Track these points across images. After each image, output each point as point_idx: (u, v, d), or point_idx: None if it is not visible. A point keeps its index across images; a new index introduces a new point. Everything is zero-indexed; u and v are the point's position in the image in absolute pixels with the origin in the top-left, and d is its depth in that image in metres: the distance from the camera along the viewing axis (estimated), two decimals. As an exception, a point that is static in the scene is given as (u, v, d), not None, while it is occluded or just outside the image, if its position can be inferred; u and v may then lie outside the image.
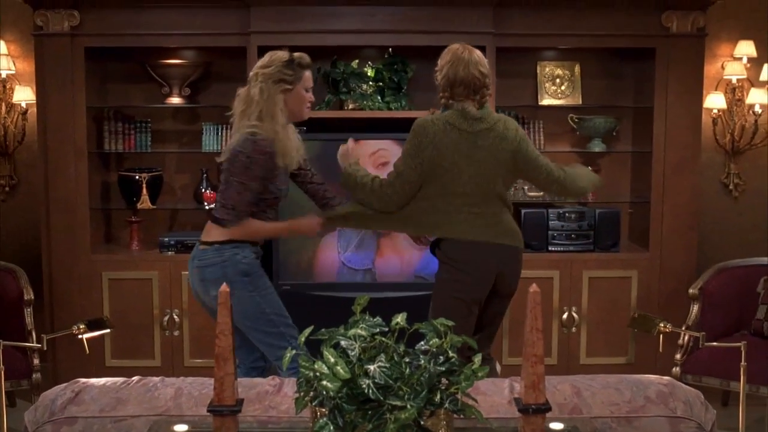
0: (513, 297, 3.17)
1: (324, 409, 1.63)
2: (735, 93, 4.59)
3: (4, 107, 4.51)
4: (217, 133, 4.32)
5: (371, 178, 3.02)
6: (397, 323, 1.73)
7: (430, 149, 2.91)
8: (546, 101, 4.52)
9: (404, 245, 4.22)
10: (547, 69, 4.55)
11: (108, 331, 3.18)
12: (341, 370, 1.58)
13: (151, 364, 4.19)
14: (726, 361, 3.57)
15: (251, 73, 2.94)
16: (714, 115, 4.59)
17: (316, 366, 1.61)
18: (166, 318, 4.23)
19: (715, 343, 3.43)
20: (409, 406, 1.56)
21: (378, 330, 1.68)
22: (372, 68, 4.33)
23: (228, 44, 4.15)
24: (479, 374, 1.66)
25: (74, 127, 4.14)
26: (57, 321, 4.12)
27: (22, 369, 3.71)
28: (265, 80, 2.87)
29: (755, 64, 4.52)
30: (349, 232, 4.17)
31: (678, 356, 3.82)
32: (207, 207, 4.18)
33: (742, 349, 2.87)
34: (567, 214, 4.33)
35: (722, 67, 4.57)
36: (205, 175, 4.40)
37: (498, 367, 3.49)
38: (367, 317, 1.72)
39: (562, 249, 4.32)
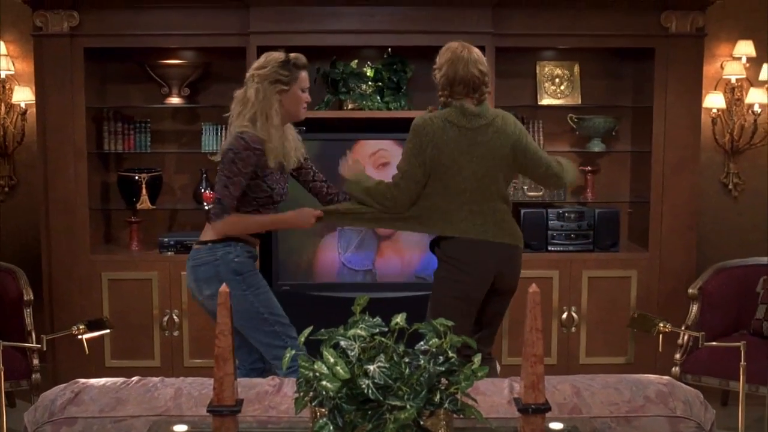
0: (513, 296, 3.17)
1: (324, 410, 1.63)
2: (734, 93, 4.60)
3: (3, 108, 4.51)
4: (217, 134, 4.32)
5: (376, 183, 3.03)
6: (397, 323, 1.73)
7: (431, 147, 2.91)
8: (545, 101, 4.52)
9: (405, 246, 4.22)
10: (546, 69, 4.55)
11: (108, 331, 3.18)
12: (341, 371, 1.58)
13: (150, 364, 4.19)
14: (725, 360, 3.58)
15: (247, 75, 2.94)
16: (713, 115, 4.59)
17: (315, 366, 1.61)
18: (166, 318, 4.23)
19: (714, 343, 3.43)
20: (408, 406, 1.56)
21: (377, 330, 1.69)
22: (371, 68, 4.33)
23: (227, 44, 4.15)
24: (479, 374, 1.66)
25: (74, 128, 4.14)
26: (57, 321, 4.12)
27: (22, 369, 3.71)
28: (261, 81, 2.88)
29: (754, 63, 4.52)
30: (349, 233, 4.17)
31: (677, 356, 3.83)
32: (206, 207, 4.18)
33: (742, 348, 2.88)
34: (566, 214, 4.33)
35: (721, 67, 4.57)
36: (204, 176, 4.40)
37: (498, 367, 3.49)
38: (366, 317, 1.72)
39: (561, 249, 4.32)
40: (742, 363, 2.88)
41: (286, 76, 2.90)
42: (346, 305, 1.83)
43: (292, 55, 2.94)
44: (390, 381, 1.58)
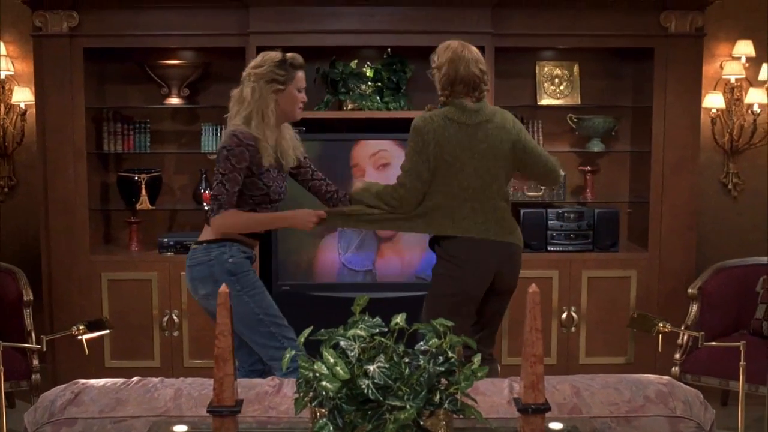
0: (513, 295, 3.17)
1: (323, 410, 1.63)
2: (734, 93, 4.60)
3: (3, 108, 4.51)
4: (216, 134, 4.32)
5: (382, 186, 3.04)
6: (397, 324, 1.73)
7: (433, 145, 2.92)
8: (545, 101, 4.52)
9: (405, 246, 4.22)
10: (546, 69, 4.55)
11: (107, 332, 3.17)
12: (341, 371, 1.58)
13: (150, 364, 4.19)
14: (725, 360, 3.58)
15: (244, 74, 2.95)
16: (713, 115, 4.59)
17: (315, 366, 1.61)
18: (166, 319, 4.23)
19: (714, 343, 3.43)
20: (408, 407, 1.56)
21: (377, 330, 1.69)
22: (371, 68, 4.33)
23: (227, 45, 4.15)
24: (478, 374, 1.66)
25: (73, 128, 4.14)
26: (56, 322, 4.12)
27: (22, 370, 3.71)
28: (257, 80, 2.89)
29: (754, 63, 4.52)
30: (350, 233, 4.17)
31: (677, 356, 3.83)
32: (206, 207, 4.18)
33: (741, 348, 2.88)
34: (566, 214, 4.33)
35: (721, 67, 4.57)
36: (204, 176, 4.40)
37: (498, 367, 3.49)
38: (366, 318, 1.72)
39: (561, 249, 4.32)
40: (742, 363, 2.88)
41: (283, 75, 2.90)
42: (345, 305, 1.83)
43: (288, 54, 2.94)
44: (390, 381, 1.58)
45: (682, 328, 3.72)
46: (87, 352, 3.01)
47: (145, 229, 4.49)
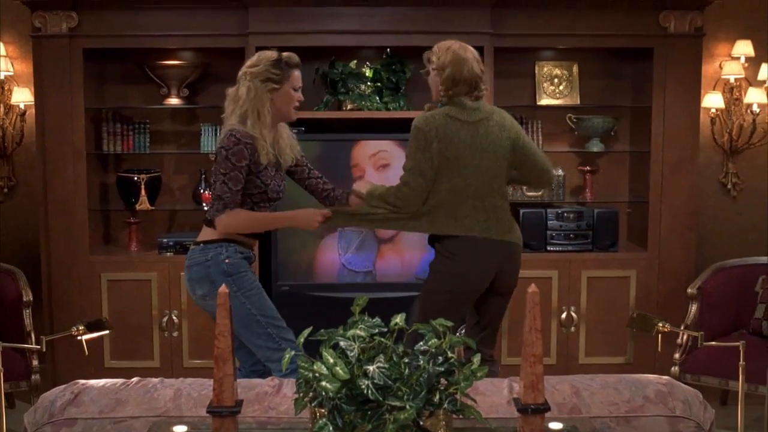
0: (512, 295, 3.17)
1: (323, 410, 1.63)
2: (733, 92, 4.60)
3: (2, 109, 4.51)
4: (216, 134, 4.31)
5: (385, 188, 3.04)
6: (396, 324, 1.74)
7: (436, 142, 2.93)
8: (544, 101, 4.52)
9: (405, 247, 4.22)
10: (545, 69, 4.55)
11: (107, 332, 3.17)
12: (340, 371, 1.58)
13: (150, 365, 4.19)
14: (724, 360, 3.58)
15: (240, 73, 2.95)
16: (712, 115, 4.59)
17: (315, 367, 1.61)
18: (165, 319, 4.23)
19: (713, 343, 3.43)
20: (408, 407, 1.56)
21: (377, 331, 1.69)
22: (370, 68, 4.33)
23: (226, 45, 4.15)
24: (478, 374, 1.66)
25: (72, 129, 4.14)
26: (56, 322, 4.12)
27: (21, 370, 3.71)
28: (253, 79, 2.89)
29: (753, 63, 4.52)
30: (350, 234, 4.17)
31: (677, 356, 3.83)
32: (205, 208, 4.18)
33: (741, 348, 2.88)
34: (565, 214, 4.33)
35: (720, 67, 4.58)
36: (203, 176, 4.40)
37: (498, 370, 3.48)
38: (366, 318, 1.72)
39: (560, 249, 4.32)
40: (741, 362, 2.88)
41: (278, 74, 2.90)
42: (345, 306, 1.83)
43: (284, 54, 2.95)
44: (389, 381, 1.58)
45: (682, 327, 3.72)
46: (87, 353, 3.00)
47: (144, 230, 4.49)
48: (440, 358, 1.67)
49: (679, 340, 3.83)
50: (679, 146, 4.25)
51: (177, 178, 4.60)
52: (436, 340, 1.70)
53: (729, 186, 4.70)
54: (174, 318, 4.23)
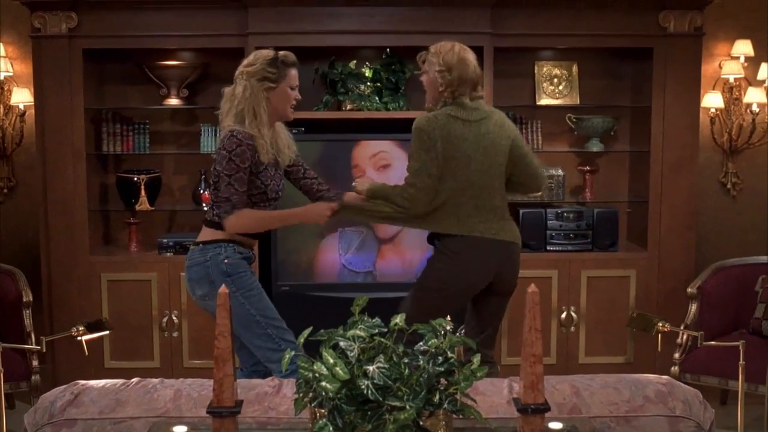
0: (512, 296, 3.18)
1: (323, 410, 1.63)
2: (732, 92, 4.60)
3: (2, 109, 4.51)
4: (215, 134, 4.31)
5: (390, 188, 3.04)
6: (396, 324, 1.74)
7: (440, 141, 2.93)
8: (544, 101, 4.52)
9: (405, 247, 4.22)
10: (544, 69, 4.55)
11: (107, 332, 3.17)
12: (340, 371, 1.58)
13: (150, 365, 4.19)
14: (724, 359, 3.58)
15: (236, 72, 2.96)
16: (712, 115, 4.59)
17: (315, 367, 1.61)
18: (165, 319, 4.23)
19: (713, 342, 3.43)
20: (408, 407, 1.56)
21: (377, 331, 1.69)
22: (370, 69, 4.33)
23: (226, 45, 4.15)
24: (478, 374, 1.66)
25: (72, 129, 4.14)
26: (56, 323, 4.12)
27: (21, 371, 3.71)
28: (249, 78, 2.90)
29: (752, 63, 4.52)
30: (350, 234, 4.17)
31: (676, 355, 3.83)
32: (205, 208, 4.18)
33: (741, 347, 2.88)
34: (565, 214, 4.33)
35: (720, 67, 4.58)
36: (203, 177, 4.40)
37: (497, 370, 3.48)
38: (365, 318, 1.72)
39: (560, 249, 4.32)
40: (741, 362, 2.88)
41: (274, 73, 2.91)
42: (345, 306, 1.83)
43: (281, 52, 2.95)
44: (389, 381, 1.58)
45: (682, 327, 3.72)
46: (87, 353, 3.01)
47: (144, 230, 4.48)
48: (440, 358, 1.67)
49: (678, 340, 3.83)
50: (678, 146, 4.25)
51: (177, 178, 4.60)
52: (435, 340, 1.70)
53: (729, 186, 4.70)
54: (174, 318, 4.23)
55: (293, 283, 4.15)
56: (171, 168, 4.58)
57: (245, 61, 2.97)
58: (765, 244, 4.51)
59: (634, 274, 4.30)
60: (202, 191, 4.37)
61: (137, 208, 4.31)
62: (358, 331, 1.67)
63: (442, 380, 1.67)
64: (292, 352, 1.80)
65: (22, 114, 4.47)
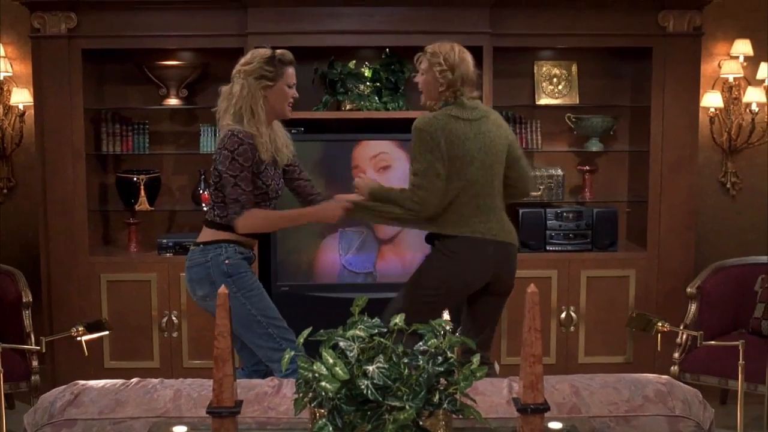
0: (509, 296, 3.18)
1: (323, 410, 1.63)
2: (732, 92, 4.60)
3: (1, 109, 4.51)
4: (215, 135, 4.31)
5: (398, 190, 3.04)
6: (396, 324, 1.74)
7: (443, 141, 2.94)
8: (543, 101, 4.52)
9: (406, 248, 4.22)
10: (544, 68, 4.55)
11: (107, 333, 3.17)
12: (340, 371, 1.58)
13: (150, 365, 4.19)
14: (724, 359, 3.58)
15: (234, 71, 2.96)
16: (711, 114, 4.59)
17: (314, 367, 1.61)
18: (165, 319, 4.23)
19: (713, 342, 3.43)
20: (407, 407, 1.56)
21: (376, 331, 1.69)
22: (369, 69, 4.33)
23: (225, 45, 4.15)
24: (477, 374, 1.66)
25: (72, 129, 4.14)
26: (55, 323, 4.11)
27: (21, 371, 3.71)
28: (246, 77, 2.90)
29: (752, 62, 4.53)
30: (350, 234, 4.17)
31: (676, 355, 3.83)
32: (205, 208, 4.18)
33: (740, 347, 2.88)
34: (565, 214, 4.33)
35: (719, 66, 4.58)
36: (203, 177, 4.40)
37: (497, 367, 3.49)
38: (365, 318, 1.72)
39: (560, 249, 4.32)
40: (741, 362, 2.88)
41: (271, 72, 2.91)
42: (345, 306, 1.83)
43: (278, 51, 2.95)
44: (389, 381, 1.58)
45: (681, 327, 3.72)
46: (86, 354, 3.01)
47: (144, 230, 4.48)
48: (440, 358, 1.67)
49: (678, 340, 3.83)
50: (678, 146, 4.25)
51: (176, 178, 4.60)
52: (435, 340, 1.70)
53: (728, 185, 4.70)
54: (174, 318, 4.23)
55: (293, 284, 4.15)
56: (170, 168, 4.58)
57: (242, 60, 2.97)
58: (764, 244, 4.51)
59: (634, 273, 4.30)
60: (201, 191, 4.37)
61: (137, 208, 4.31)
62: (357, 332, 1.67)
63: (442, 380, 1.67)
64: (292, 352, 1.80)
65: (22, 114, 4.47)
